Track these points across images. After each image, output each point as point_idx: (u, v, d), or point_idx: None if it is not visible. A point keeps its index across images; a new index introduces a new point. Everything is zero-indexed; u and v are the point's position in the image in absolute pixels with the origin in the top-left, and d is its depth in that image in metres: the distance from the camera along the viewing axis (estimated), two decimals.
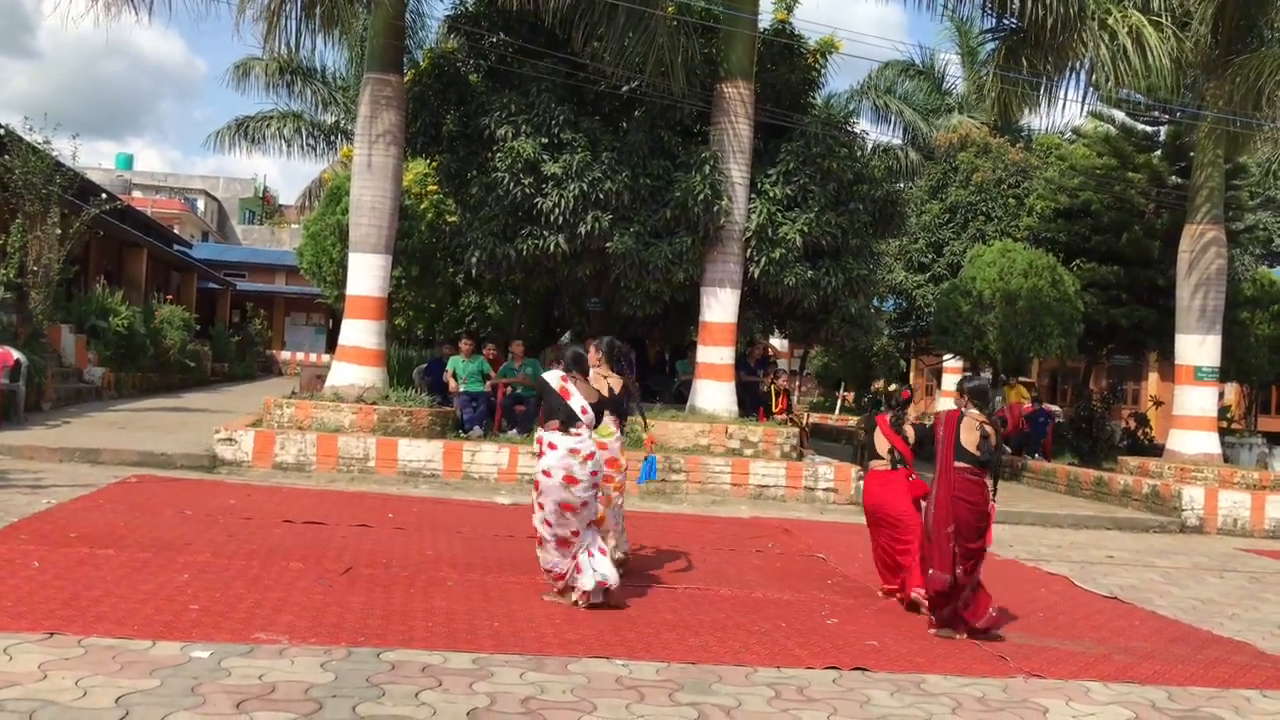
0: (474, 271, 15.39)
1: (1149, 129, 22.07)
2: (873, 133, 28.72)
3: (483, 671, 4.99)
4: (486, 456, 12.35)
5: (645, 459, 8.35)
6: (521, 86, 14.35)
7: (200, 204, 55.79)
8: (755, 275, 14.57)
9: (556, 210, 13.57)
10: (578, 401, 6.59)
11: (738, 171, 14.25)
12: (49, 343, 17.37)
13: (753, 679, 5.27)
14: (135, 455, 11.60)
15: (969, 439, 6.51)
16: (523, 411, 13.86)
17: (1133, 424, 20.94)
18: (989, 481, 6.54)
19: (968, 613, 6.51)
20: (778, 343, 31.33)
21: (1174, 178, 21.16)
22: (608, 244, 13.83)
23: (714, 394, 14.27)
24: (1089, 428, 19.52)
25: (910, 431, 7.57)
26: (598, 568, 6.41)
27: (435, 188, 18.02)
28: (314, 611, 5.79)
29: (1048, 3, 13.75)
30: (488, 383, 14.22)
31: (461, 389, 14.09)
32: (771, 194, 14.47)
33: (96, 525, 7.76)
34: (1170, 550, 11.77)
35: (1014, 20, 15.02)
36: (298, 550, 7.48)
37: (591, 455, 6.52)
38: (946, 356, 25.37)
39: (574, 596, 6.45)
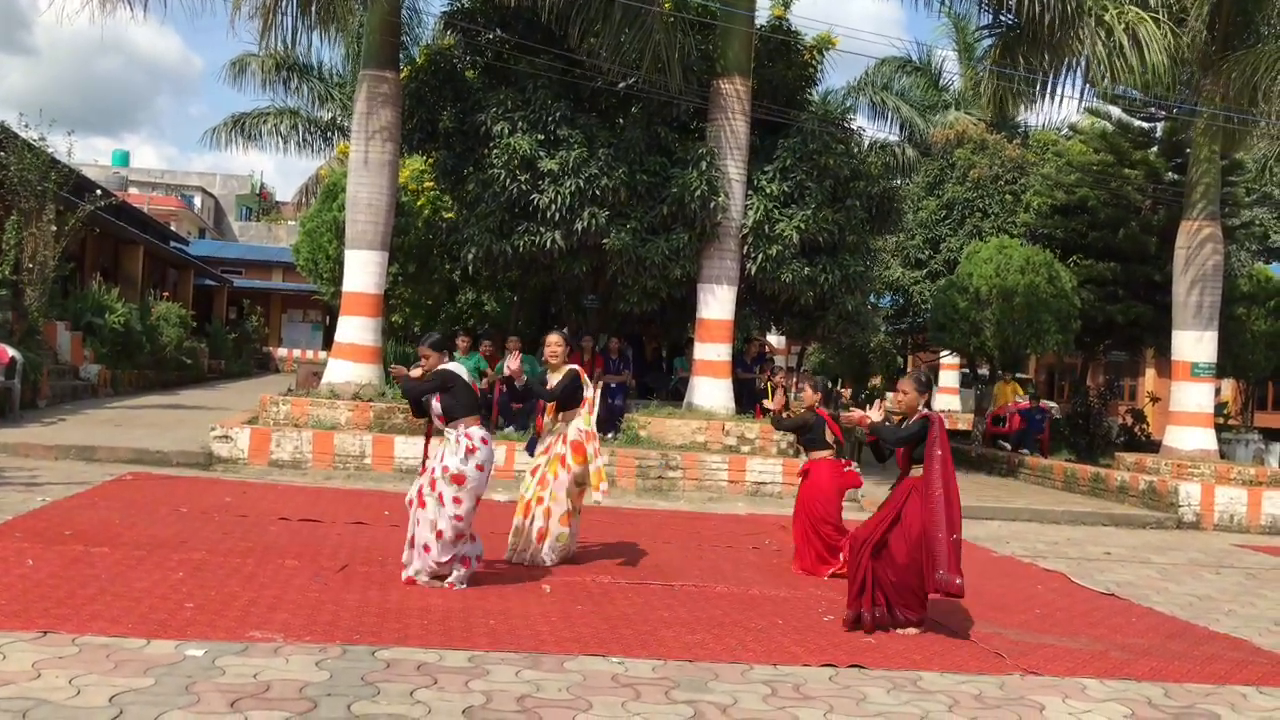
0: (471, 268, 15.38)
1: (1145, 125, 22.07)
2: (869, 129, 28.90)
3: (478, 669, 4.98)
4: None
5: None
6: (518, 83, 14.34)
7: (197, 201, 55.76)
8: (752, 272, 14.56)
9: (553, 207, 13.56)
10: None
11: (734, 168, 14.23)
12: (45, 340, 17.33)
13: (749, 676, 5.26)
14: (131, 453, 11.59)
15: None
16: (519, 409, 13.84)
17: (1130, 420, 20.94)
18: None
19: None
20: (775, 340, 31.30)
21: (1170, 174, 21.16)
22: (604, 240, 13.82)
23: (711, 391, 14.27)
24: (1086, 424, 19.54)
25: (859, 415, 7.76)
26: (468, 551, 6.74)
27: (432, 184, 18.01)
28: (309, 609, 5.77)
29: None
30: (484, 380, 14.19)
31: None
32: (768, 190, 14.45)
33: (91, 523, 7.74)
34: (1167, 546, 11.78)
35: (1011, 17, 15.03)
36: (293, 548, 7.47)
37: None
38: (943, 353, 25.39)
39: (452, 579, 6.62)
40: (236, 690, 4.39)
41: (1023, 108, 16.90)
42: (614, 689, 4.87)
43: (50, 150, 18.08)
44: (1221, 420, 21.06)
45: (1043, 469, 16.97)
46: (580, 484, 7.68)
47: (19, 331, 16.04)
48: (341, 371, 13.40)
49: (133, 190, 47.54)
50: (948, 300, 18.74)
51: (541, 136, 13.70)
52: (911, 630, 6.41)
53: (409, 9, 19.51)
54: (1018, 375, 23.66)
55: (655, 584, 7.30)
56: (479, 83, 15.09)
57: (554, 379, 7.77)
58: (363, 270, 13.48)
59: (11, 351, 13.75)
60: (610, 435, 14.19)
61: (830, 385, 8.54)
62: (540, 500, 7.57)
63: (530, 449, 8.24)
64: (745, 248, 14.48)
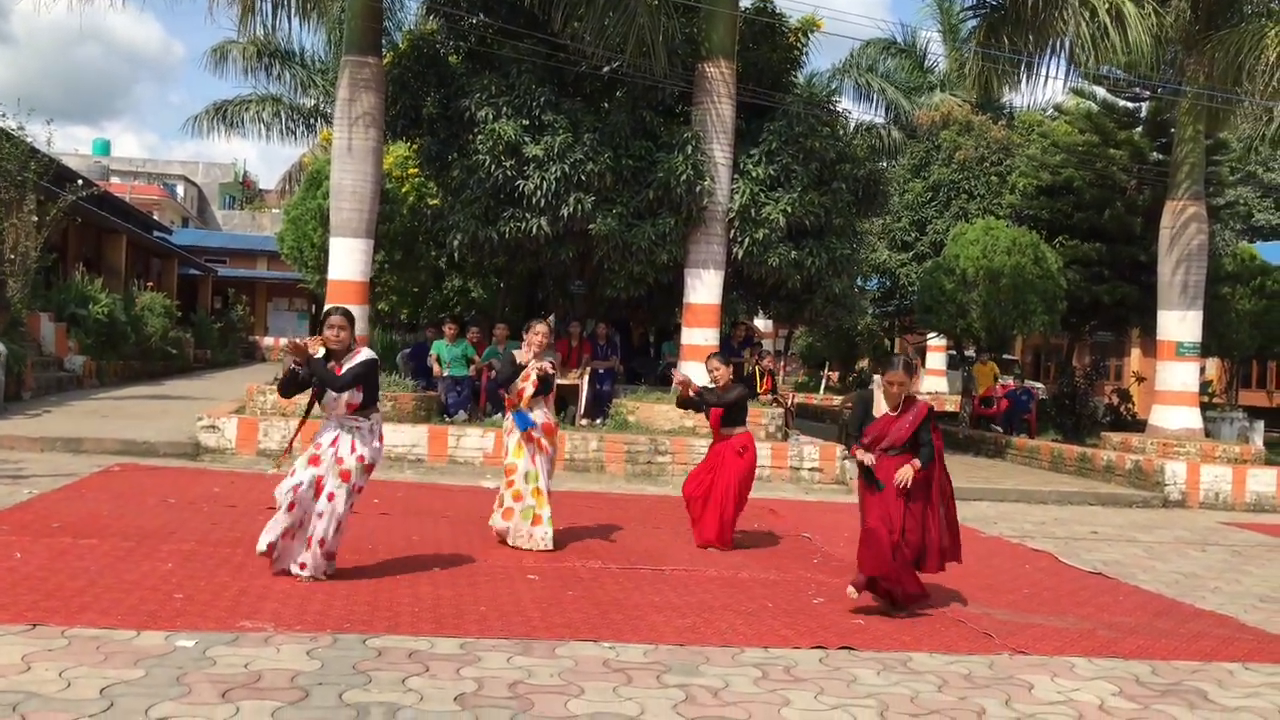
0: (456, 255, 15.33)
1: (1130, 105, 22.13)
2: (855, 111, 28.89)
3: (470, 656, 4.99)
4: (471, 441, 12.33)
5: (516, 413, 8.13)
6: (502, 68, 14.26)
7: (180, 189, 55.36)
8: (739, 256, 14.55)
9: (538, 193, 13.51)
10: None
11: (720, 152, 14.20)
12: (28, 331, 17.21)
13: (740, 659, 5.28)
14: (117, 444, 11.53)
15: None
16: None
17: (1115, 400, 21.07)
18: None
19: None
20: (762, 323, 31.35)
21: (1155, 154, 21.23)
22: (590, 226, 13.78)
23: (699, 375, 14.24)
24: (1072, 404, 19.64)
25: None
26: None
27: (416, 171, 17.93)
28: (299, 599, 5.76)
29: None
30: (472, 367, 14.18)
31: (446, 373, 14.06)
32: (754, 174, 14.43)
33: (79, 515, 7.71)
34: (1153, 525, 11.87)
35: None
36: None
37: None
38: (930, 335, 25.46)
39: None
40: (228, 680, 4.38)
41: (1008, 89, 16.89)
42: (605, 674, 4.88)
43: (29, 140, 17.93)
44: (1206, 399, 21.22)
45: (1029, 450, 17.06)
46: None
47: (2, 323, 15.93)
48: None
49: (114, 179, 47.19)
50: (934, 282, 18.79)
51: (526, 122, 13.64)
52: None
53: None
54: (1003, 356, 23.76)
55: (645, 569, 7.32)
56: (462, 68, 15.01)
57: (534, 366, 7.78)
58: (348, 258, 13.41)
59: None
60: (599, 421, 14.21)
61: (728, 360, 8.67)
62: (539, 490, 7.66)
63: (522, 423, 7.84)
64: (732, 232, 14.46)
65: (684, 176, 13.66)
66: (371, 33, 13.72)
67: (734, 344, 16.45)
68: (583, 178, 13.52)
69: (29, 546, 6.51)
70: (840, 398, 25.80)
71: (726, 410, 8.37)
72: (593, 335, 15.16)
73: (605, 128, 13.99)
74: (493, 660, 4.95)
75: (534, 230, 13.75)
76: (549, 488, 7.76)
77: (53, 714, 3.90)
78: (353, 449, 6.22)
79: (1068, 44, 15.34)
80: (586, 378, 14.48)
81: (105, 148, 56.82)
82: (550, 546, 7.62)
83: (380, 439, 6.42)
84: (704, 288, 14.33)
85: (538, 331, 7.78)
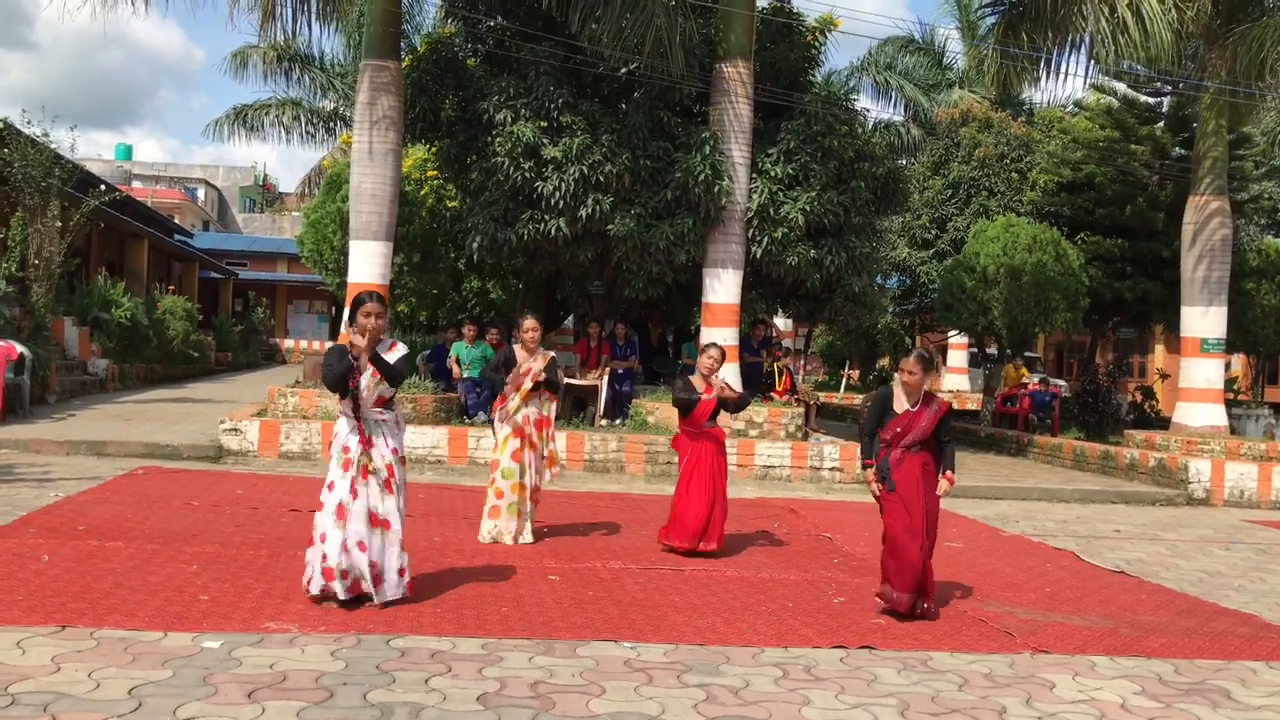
0: (475, 257, 15.37)
1: (1151, 100, 21.95)
2: (873, 109, 28.62)
3: (492, 656, 5.02)
4: (491, 442, 12.31)
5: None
6: (519, 70, 14.30)
7: (200, 193, 55.77)
8: (757, 255, 14.54)
9: (557, 194, 13.54)
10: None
11: (738, 151, 14.19)
12: (52, 336, 17.40)
13: (760, 659, 5.29)
14: (141, 447, 11.65)
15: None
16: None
17: (1139, 397, 20.91)
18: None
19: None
20: (781, 323, 31.29)
21: (1177, 149, 21.07)
22: (609, 226, 13.80)
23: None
24: (1095, 402, 19.50)
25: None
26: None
27: (435, 173, 18.01)
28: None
29: None
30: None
31: (465, 375, 14.11)
32: (772, 173, 14.41)
33: (105, 517, 7.79)
34: (1177, 523, 11.78)
35: None
36: (305, 539, 7.47)
37: None
38: (951, 333, 25.35)
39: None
40: (254, 681, 4.43)
41: (1027, 85, 16.80)
42: (627, 673, 4.90)
43: (53, 146, 18.11)
44: (1231, 396, 21.03)
45: (1052, 448, 16.96)
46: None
47: (27, 328, 16.12)
48: None
49: (136, 184, 47.60)
50: (955, 280, 18.71)
51: (544, 124, 13.67)
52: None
53: None
54: (1026, 354, 23.62)
55: (665, 568, 7.33)
56: (480, 71, 15.06)
57: (535, 365, 7.89)
58: (368, 261, 13.48)
59: (20, 348, 13.80)
60: (618, 421, 14.23)
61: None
62: (521, 484, 7.86)
63: (492, 420, 8.33)
64: (750, 231, 14.45)
65: (702, 176, 13.65)
66: (390, 36, 13.79)
67: (754, 343, 16.44)
68: (601, 179, 13.54)
69: (56, 549, 6.59)
70: (861, 396, 25.74)
71: (720, 406, 8.35)
72: (611, 336, 15.19)
73: (623, 129, 14.00)
74: (515, 660, 4.98)
75: (553, 231, 13.78)
76: (535, 483, 7.93)
77: (83, 714, 3.96)
78: (386, 442, 5.90)
79: (1087, 39, 15.25)
80: (606, 378, 14.51)
81: (127, 152, 57.28)
82: (530, 540, 7.83)
83: (402, 429, 6.14)
84: (723, 287, 14.32)
85: (525, 328, 7.88)
